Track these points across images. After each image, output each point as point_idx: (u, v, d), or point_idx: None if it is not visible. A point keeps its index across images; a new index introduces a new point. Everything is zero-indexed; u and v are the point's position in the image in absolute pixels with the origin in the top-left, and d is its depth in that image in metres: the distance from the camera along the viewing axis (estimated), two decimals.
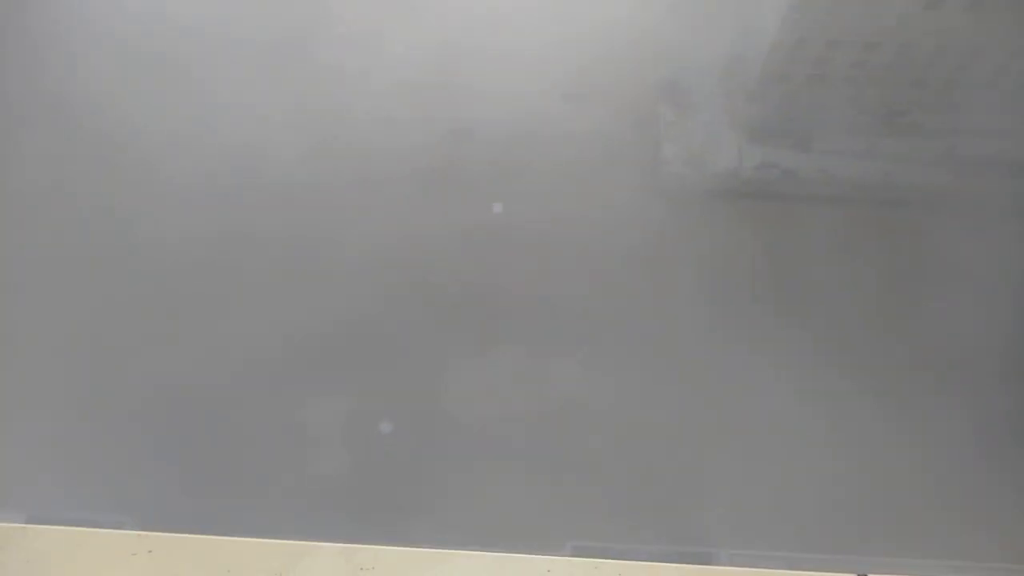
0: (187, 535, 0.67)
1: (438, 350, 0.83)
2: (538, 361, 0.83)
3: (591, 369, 0.82)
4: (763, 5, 0.99)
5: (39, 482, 0.76)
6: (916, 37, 0.96)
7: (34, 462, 0.77)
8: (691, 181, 0.93)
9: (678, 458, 0.79)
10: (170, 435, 0.78)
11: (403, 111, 0.95)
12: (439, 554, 0.65)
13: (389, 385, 0.81)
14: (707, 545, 0.74)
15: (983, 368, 0.83)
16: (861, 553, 0.75)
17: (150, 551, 0.66)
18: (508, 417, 0.80)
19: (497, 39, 1.00)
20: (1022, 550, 0.75)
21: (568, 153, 0.94)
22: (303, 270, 0.87)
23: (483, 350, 0.83)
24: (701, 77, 0.99)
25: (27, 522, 0.70)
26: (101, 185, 0.90)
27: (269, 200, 0.90)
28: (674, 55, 1.00)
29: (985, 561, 0.74)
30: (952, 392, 0.82)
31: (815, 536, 0.76)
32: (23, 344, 0.83)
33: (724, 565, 0.72)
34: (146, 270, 0.86)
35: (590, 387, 0.82)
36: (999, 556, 0.74)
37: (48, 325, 0.84)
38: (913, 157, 0.94)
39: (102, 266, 0.87)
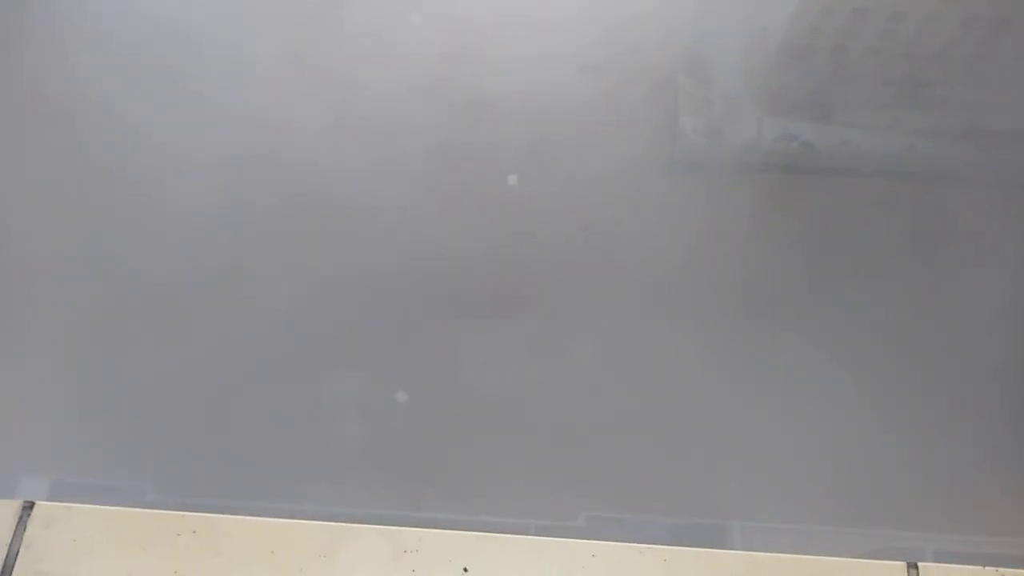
0: (231, 516, 0.68)
1: (455, 325, 0.83)
2: (554, 333, 0.83)
3: (608, 340, 0.83)
4: None
5: (77, 459, 0.77)
6: (941, 9, 0.95)
7: (71, 439, 0.78)
8: (709, 152, 0.93)
9: (694, 429, 0.80)
10: (211, 414, 0.79)
11: (420, 82, 0.94)
12: (483, 537, 0.66)
13: (407, 361, 0.81)
14: (721, 518, 0.75)
15: (1009, 344, 0.84)
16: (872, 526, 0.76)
17: (194, 531, 0.67)
18: (524, 388, 0.80)
19: (515, 9, 0.99)
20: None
21: (585, 123, 0.93)
22: (323, 241, 0.87)
23: (499, 322, 0.83)
24: (721, 47, 0.98)
25: (49, 498, 0.71)
26: (119, 159, 0.90)
27: (287, 172, 0.90)
28: (694, 25, 0.99)
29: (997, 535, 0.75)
30: (975, 366, 0.83)
31: (829, 511, 0.76)
32: (62, 316, 0.83)
33: (738, 549, 0.72)
34: (172, 244, 0.86)
35: (606, 358, 0.82)
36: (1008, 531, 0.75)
37: (77, 302, 0.84)
38: (937, 130, 0.93)
39: (124, 242, 0.87)
